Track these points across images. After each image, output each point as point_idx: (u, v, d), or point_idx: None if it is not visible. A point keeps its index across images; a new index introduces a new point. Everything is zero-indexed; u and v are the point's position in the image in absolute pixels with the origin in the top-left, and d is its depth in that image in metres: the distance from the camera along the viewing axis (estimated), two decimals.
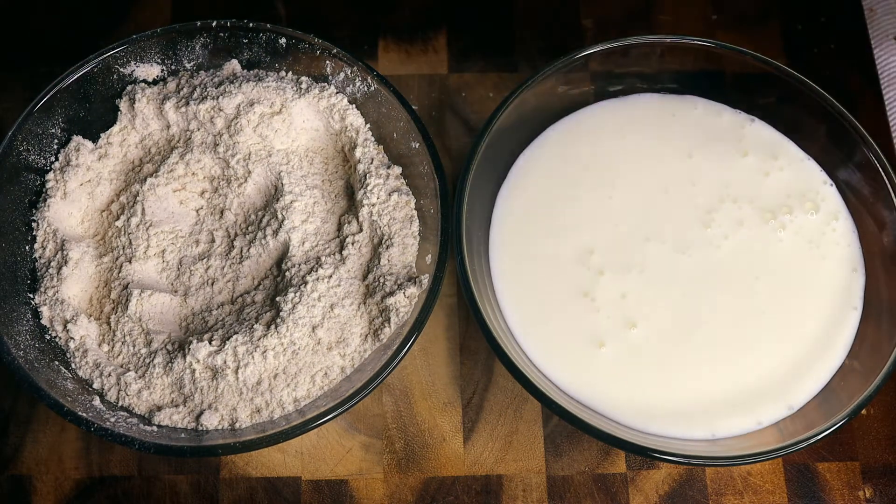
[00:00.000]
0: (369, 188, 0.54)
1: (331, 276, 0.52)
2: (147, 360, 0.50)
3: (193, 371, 0.49)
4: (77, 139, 0.55)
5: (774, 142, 0.57)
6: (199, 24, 0.56)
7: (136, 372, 0.50)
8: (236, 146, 0.55)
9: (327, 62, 0.56)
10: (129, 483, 0.54)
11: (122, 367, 0.51)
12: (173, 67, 0.58)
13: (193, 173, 0.55)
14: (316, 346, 0.51)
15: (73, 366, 0.51)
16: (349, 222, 0.54)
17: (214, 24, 0.56)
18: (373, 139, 0.56)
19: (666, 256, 0.54)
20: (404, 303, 0.51)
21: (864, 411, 0.56)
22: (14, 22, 0.66)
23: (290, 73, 0.58)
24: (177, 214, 0.55)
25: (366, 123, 0.57)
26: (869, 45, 0.66)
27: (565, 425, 0.55)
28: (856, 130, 0.54)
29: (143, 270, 0.53)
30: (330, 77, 0.57)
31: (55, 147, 0.55)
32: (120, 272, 0.53)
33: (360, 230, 0.54)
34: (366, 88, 0.56)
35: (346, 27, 0.66)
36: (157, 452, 0.47)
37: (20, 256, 0.53)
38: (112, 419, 0.48)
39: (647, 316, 0.53)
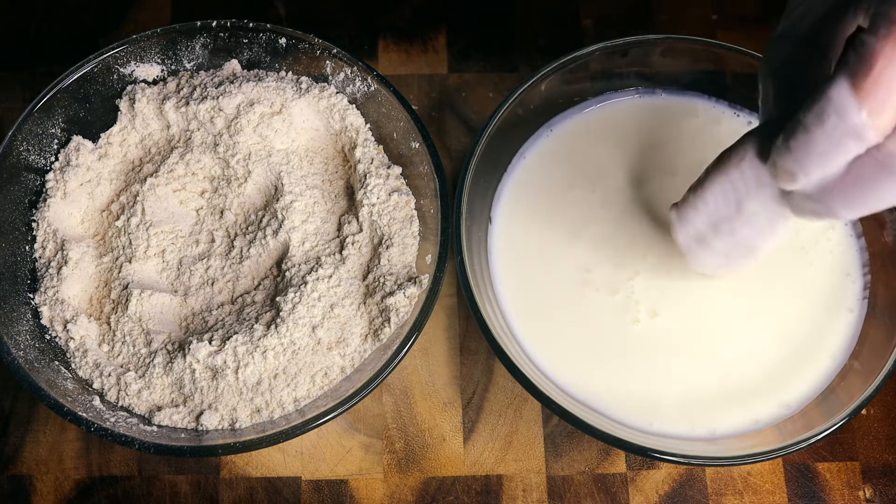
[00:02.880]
0: (369, 188, 0.54)
1: (331, 276, 0.52)
2: (147, 360, 0.50)
3: (193, 371, 0.49)
4: (77, 139, 0.55)
5: None
6: (199, 24, 0.56)
7: (136, 372, 0.50)
8: (236, 146, 0.55)
9: (327, 62, 0.56)
10: (129, 483, 0.54)
11: (122, 367, 0.51)
12: (173, 67, 0.58)
13: (193, 173, 0.55)
14: (316, 346, 0.51)
15: (73, 366, 0.51)
16: (349, 222, 0.54)
17: (214, 24, 0.56)
18: (373, 139, 0.56)
19: (664, 257, 0.54)
20: (404, 303, 0.51)
21: (864, 411, 0.56)
22: (14, 22, 0.66)
23: (290, 73, 0.58)
24: (177, 214, 0.55)
25: (366, 123, 0.57)
26: None
27: (565, 425, 0.55)
28: None
29: (143, 270, 0.53)
30: (330, 77, 0.57)
31: (55, 147, 0.55)
32: (120, 272, 0.53)
33: (360, 230, 0.54)
34: (366, 88, 0.56)
35: (346, 27, 0.66)
36: (157, 452, 0.47)
37: (20, 256, 0.53)
38: (112, 419, 0.48)
39: (646, 315, 0.53)
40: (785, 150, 0.37)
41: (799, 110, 0.36)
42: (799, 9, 0.40)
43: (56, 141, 0.55)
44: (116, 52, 0.55)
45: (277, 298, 0.51)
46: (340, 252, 0.53)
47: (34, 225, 0.54)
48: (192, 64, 0.58)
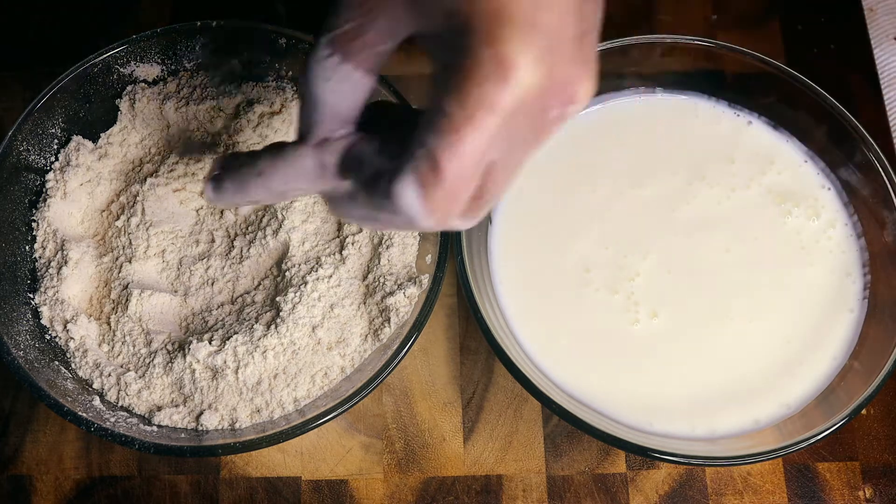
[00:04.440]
0: None
1: (331, 276, 0.52)
2: (147, 360, 0.50)
3: (193, 371, 0.49)
4: (77, 139, 0.55)
5: (772, 145, 0.57)
6: (199, 24, 0.56)
7: (136, 372, 0.50)
8: (236, 146, 0.55)
9: None
10: (129, 483, 0.54)
11: (122, 367, 0.51)
12: (173, 67, 0.57)
13: (193, 173, 0.55)
14: (316, 346, 0.51)
15: (73, 366, 0.51)
16: (349, 222, 0.54)
17: (214, 24, 0.56)
18: None
19: (665, 257, 0.54)
20: (404, 303, 0.51)
21: (864, 411, 0.56)
22: (14, 22, 0.66)
23: (290, 73, 0.58)
24: (177, 214, 0.55)
25: None
26: (869, 45, 0.66)
27: (565, 425, 0.55)
28: (856, 130, 0.54)
29: (143, 270, 0.53)
30: None
31: (55, 147, 0.55)
32: (120, 272, 0.53)
33: (360, 230, 0.54)
34: None
35: None
36: (157, 452, 0.47)
37: (20, 256, 0.53)
38: (112, 419, 0.48)
39: (646, 315, 0.53)
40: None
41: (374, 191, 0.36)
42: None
43: (56, 141, 0.55)
44: (116, 52, 0.55)
45: (277, 298, 0.51)
46: (340, 252, 0.53)
47: (34, 225, 0.54)
48: (192, 64, 0.58)
